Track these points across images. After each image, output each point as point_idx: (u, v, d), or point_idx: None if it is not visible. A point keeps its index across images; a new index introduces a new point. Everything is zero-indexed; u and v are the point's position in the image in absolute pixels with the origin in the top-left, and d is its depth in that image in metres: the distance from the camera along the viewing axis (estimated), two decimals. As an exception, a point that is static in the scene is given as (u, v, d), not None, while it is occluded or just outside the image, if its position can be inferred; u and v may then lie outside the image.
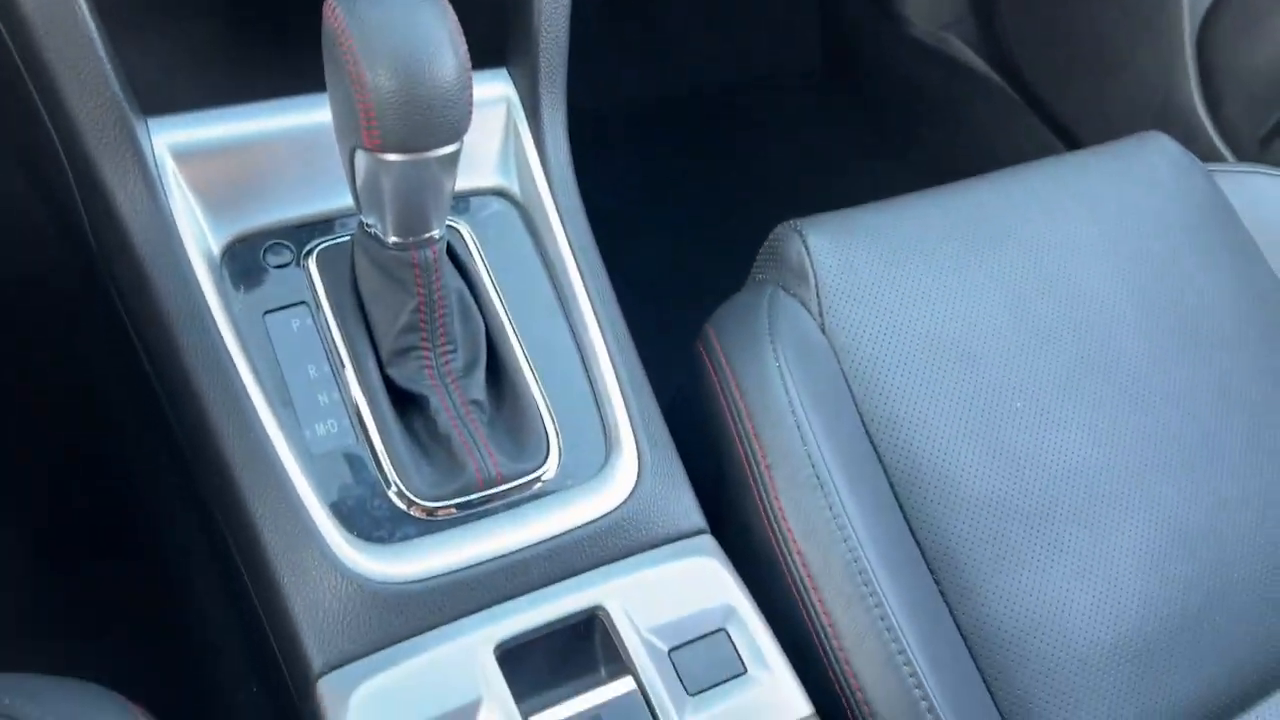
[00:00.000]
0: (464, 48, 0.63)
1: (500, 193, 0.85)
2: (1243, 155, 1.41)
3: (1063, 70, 1.64)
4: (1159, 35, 1.46)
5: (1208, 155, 1.41)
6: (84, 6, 0.67)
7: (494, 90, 0.85)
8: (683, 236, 1.74)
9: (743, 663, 0.72)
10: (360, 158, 0.66)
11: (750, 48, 1.95)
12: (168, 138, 0.75)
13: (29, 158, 0.90)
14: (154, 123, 0.75)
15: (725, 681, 0.71)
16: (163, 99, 0.75)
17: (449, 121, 0.63)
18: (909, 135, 1.89)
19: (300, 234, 0.78)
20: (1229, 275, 1.03)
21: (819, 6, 1.97)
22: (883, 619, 0.76)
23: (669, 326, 1.05)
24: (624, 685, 0.69)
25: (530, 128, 0.85)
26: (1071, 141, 1.64)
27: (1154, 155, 1.09)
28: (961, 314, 0.92)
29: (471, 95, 0.64)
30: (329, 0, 0.63)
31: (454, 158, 0.66)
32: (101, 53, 0.69)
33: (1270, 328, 1.02)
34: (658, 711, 0.68)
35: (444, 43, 0.62)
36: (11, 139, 0.93)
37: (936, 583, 0.84)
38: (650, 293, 1.54)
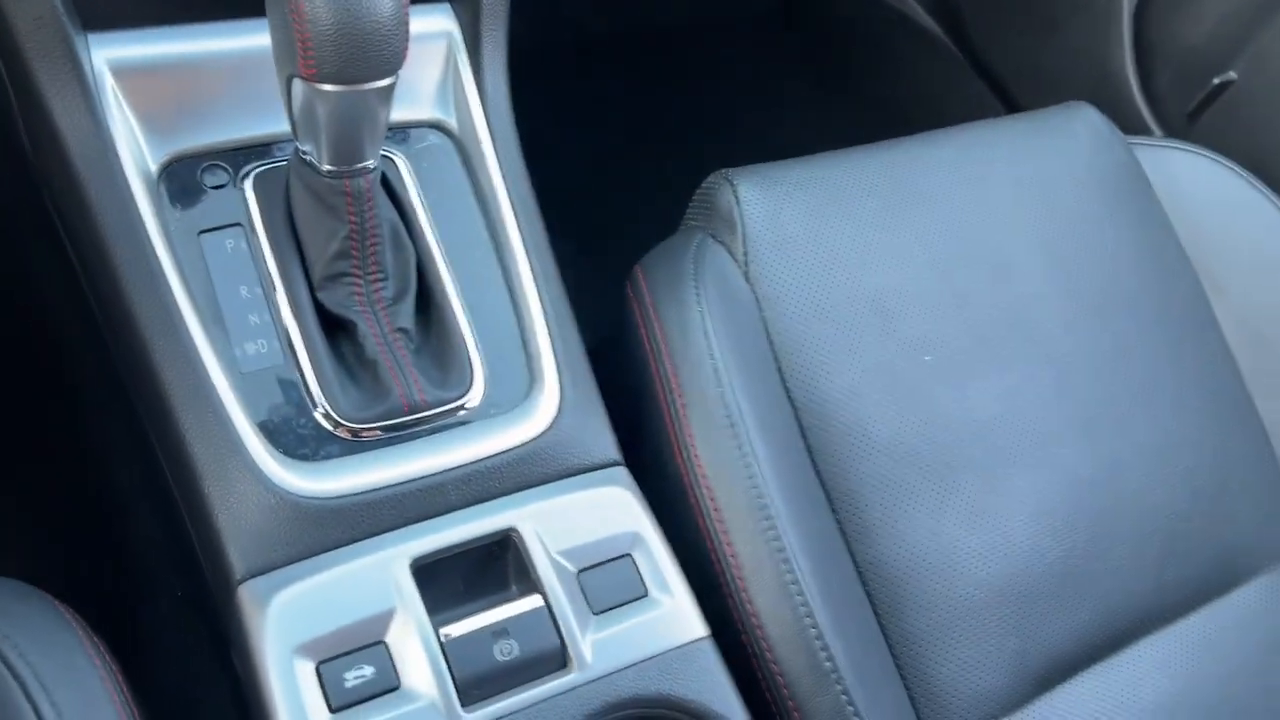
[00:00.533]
0: None
1: (438, 126, 0.87)
2: (1170, 128, 1.46)
3: (1005, 33, 1.68)
4: (1097, 6, 1.49)
5: (1136, 126, 1.46)
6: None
7: (436, 24, 0.87)
8: (624, 173, 1.76)
9: (645, 586, 0.77)
10: (297, 86, 0.67)
11: (704, -10, 1.96)
12: (107, 53, 0.75)
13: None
14: (94, 38, 0.75)
15: (627, 603, 0.76)
16: (104, 14, 0.75)
17: (385, 56, 0.65)
18: (855, 85, 1.92)
19: (238, 156, 0.79)
20: (1139, 244, 1.08)
21: (775, -47, 1.98)
22: (780, 551, 0.81)
23: (604, 263, 1.08)
24: (532, 602, 0.73)
25: (471, 63, 0.87)
26: (1009, 102, 1.69)
27: (1077, 125, 1.13)
28: (881, 269, 0.96)
29: (408, 31, 0.66)
30: None
31: (389, 91, 0.68)
32: None
33: (1171, 296, 1.08)
34: (562, 627, 0.73)
35: None
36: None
37: (838, 522, 0.89)
38: (588, 229, 1.57)
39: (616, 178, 1.75)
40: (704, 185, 0.98)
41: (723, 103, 1.88)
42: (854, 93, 1.91)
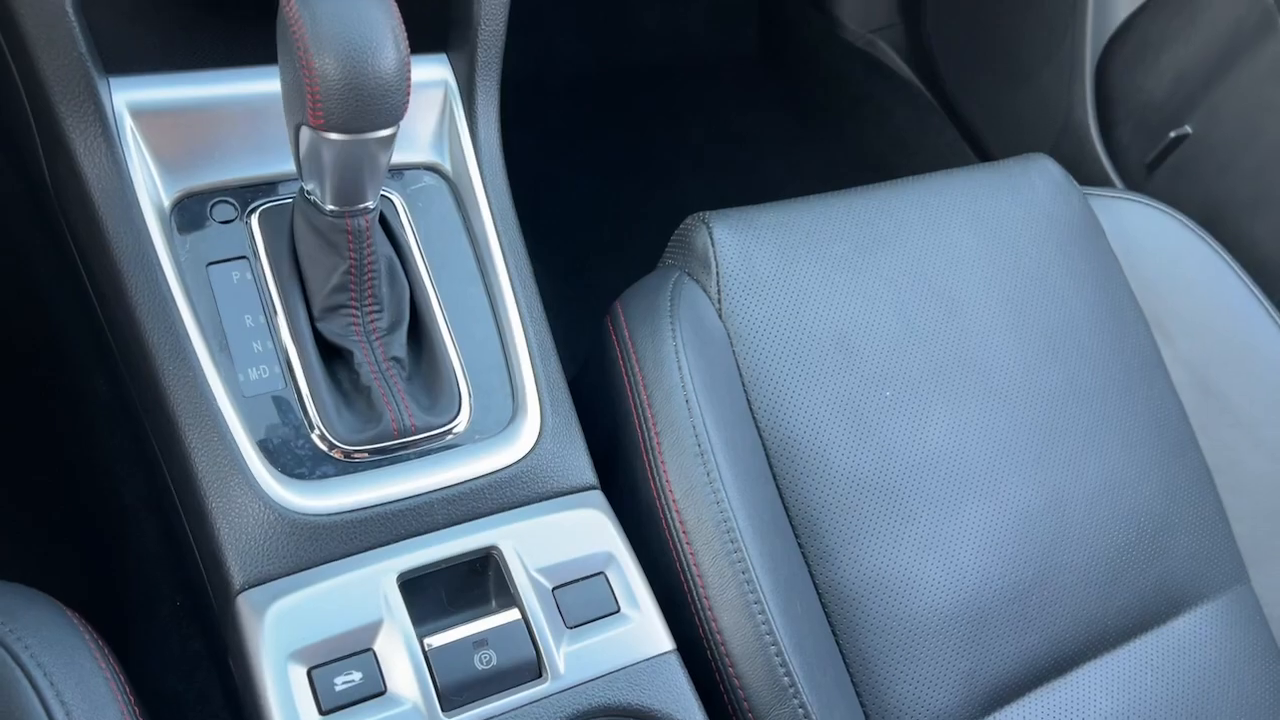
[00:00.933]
0: (405, 41, 0.69)
1: (433, 168, 0.92)
2: (1129, 178, 1.52)
3: (977, 83, 1.75)
4: (1062, 59, 1.56)
5: (1097, 176, 1.53)
6: (57, -28, 0.73)
7: (434, 74, 0.92)
8: (610, 205, 1.81)
9: (616, 602, 0.81)
10: (304, 133, 0.72)
11: (690, 31, 2.02)
12: (127, 96, 0.80)
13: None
14: (115, 82, 0.80)
15: (599, 618, 0.80)
16: (125, 60, 0.80)
17: (387, 108, 0.69)
18: (833, 128, 1.98)
19: (245, 194, 0.84)
20: (1091, 290, 1.14)
21: (758, 0, 2.05)
22: (744, 572, 0.86)
23: (589, 291, 1.13)
24: (510, 616, 0.78)
25: (465, 111, 0.92)
26: (980, 149, 1.75)
27: (1035, 176, 1.19)
28: (845, 309, 1.01)
29: (409, 85, 0.70)
30: None
31: (390, 139, 0.73)
32: (71, 15, 0.74)
33: (1122, 340, 1.14)
34: (537, 639, 0.77)
35: (387, 37, 0.68)
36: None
37: (800, 545, 0.94)
38: (574, 258, 1.62)
39: (603, 209, 1.81)
40: (682, 226, 1.04)
41: (706, 140, 1.94)
42: (832, 135, 1.97)
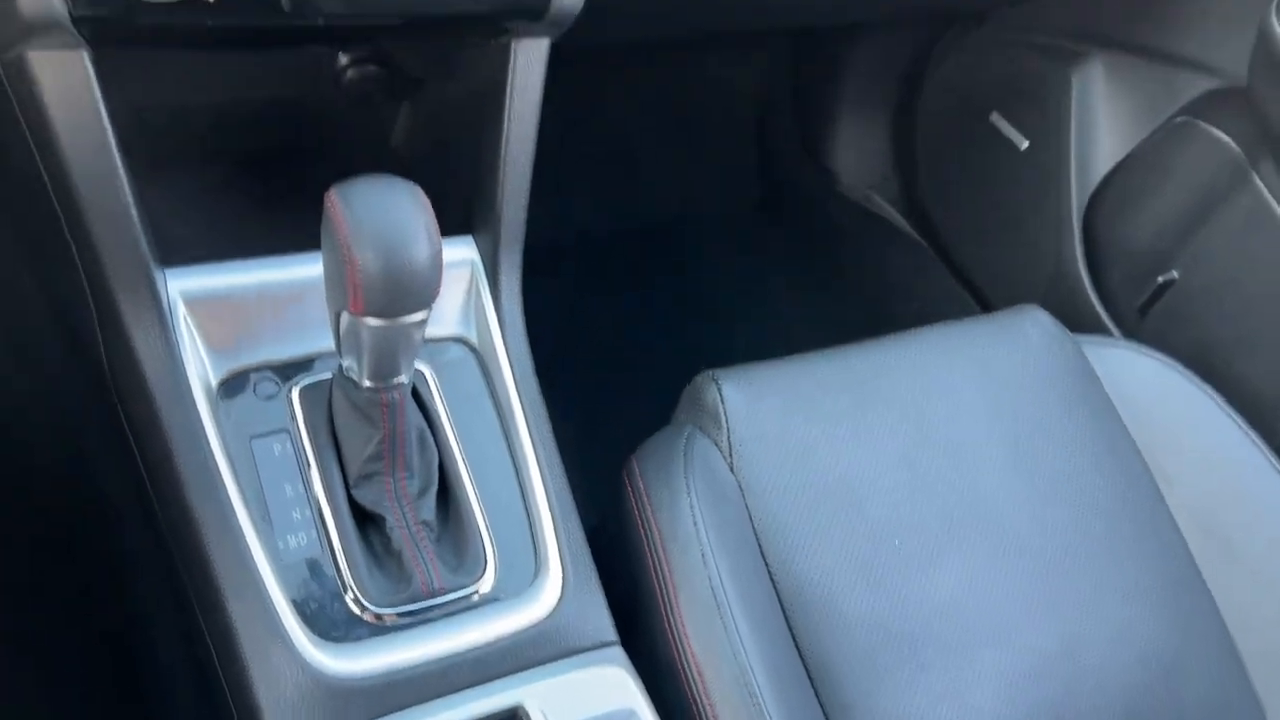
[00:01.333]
0: (437, 236, 0.76)
1: (461, 340, 0.98)
2: (1123, 323, 1.57)
3: (971, 234, 1.82)
4: (1050, 211, 1.63)
5: (1090, 319, 1.58)
6: (125, 182, 0.81)
7: (462, 254, 0.99)
8: (624, 356, 1.87)
9: (637, 758, 0.84)
10: (344, 317, 0.77)
11: (695, 188, 2.13)
12: (180, 285, 0.87)
13: (49, 281, 1.02)
14: (170, 272, 0.87)
15: None
16: (180, 253, 0.87)
17: (422, 296, 0.75)
18: (834, 276, 2.06)
19: (286, 371, 0.90)
20: (1090, 436, 1.17)
21: (759, 158, 2.16)
22: (763, 726, 0.88)
23: (604, 442, 1.18)
24: (536, 775, 0.80)
25: (490, 286, 0.99)
26: (979, 296, 1.81)
27: (1029, 326, 1.23)
28: (852, 460, 1.05)
29: (441, 274, 0.76)
30: (330, 192, 0.76)
31: (424, 321, 0.79)
32: (135, 215, 0.82)
33: (1123, 484, 1.16)
34: None
35: (421, 232, 0.74)
36: (31, 256, 1.05)
37: (817, 695, 0.96)
38: (589, 410, 1.67)
39: (617, 360, 1.87)
40: (692, 384, 1.09)
41: (712, 290, 2.02)
42: (833, 282, 2.05)
